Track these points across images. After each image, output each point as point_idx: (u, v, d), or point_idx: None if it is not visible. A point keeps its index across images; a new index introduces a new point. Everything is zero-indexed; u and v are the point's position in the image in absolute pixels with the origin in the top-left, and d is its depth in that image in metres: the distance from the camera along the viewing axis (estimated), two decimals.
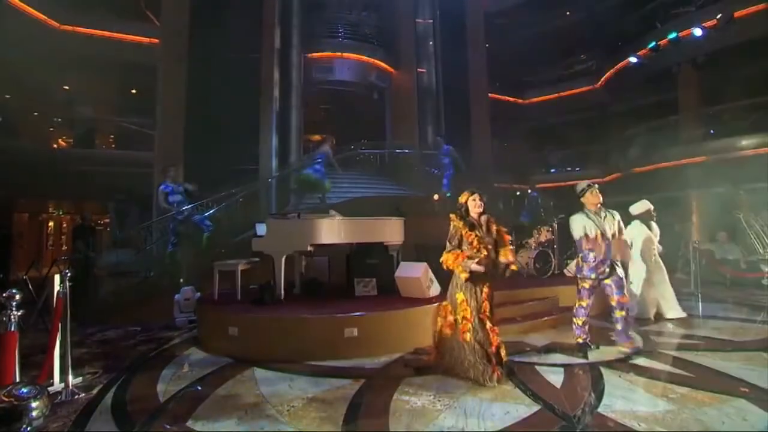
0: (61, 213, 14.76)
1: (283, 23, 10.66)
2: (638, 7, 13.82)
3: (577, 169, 15.86)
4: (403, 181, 10.77)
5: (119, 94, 13.07)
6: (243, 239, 6.54)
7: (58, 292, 3.43)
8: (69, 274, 3.48)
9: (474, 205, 3.36)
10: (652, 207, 5.32)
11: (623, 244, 4.11)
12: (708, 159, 10.99)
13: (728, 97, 11.61)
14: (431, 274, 4.64)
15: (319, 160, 7.84)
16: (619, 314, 3.91)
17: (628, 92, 14.68)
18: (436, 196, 8.84)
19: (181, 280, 6.02)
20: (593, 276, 3.85)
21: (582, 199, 3.98)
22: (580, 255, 3.95)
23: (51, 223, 14.85)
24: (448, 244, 3.36)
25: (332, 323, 4.05)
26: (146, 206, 9.73)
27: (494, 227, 3.38)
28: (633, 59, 12.87)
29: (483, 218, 3.38)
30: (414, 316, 4.25)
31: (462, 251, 3.26)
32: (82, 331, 5.23)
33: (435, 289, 4.63)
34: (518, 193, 12.21)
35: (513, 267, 3.35)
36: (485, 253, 3.23)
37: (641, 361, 3.61)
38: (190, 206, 6.83)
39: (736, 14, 10.62)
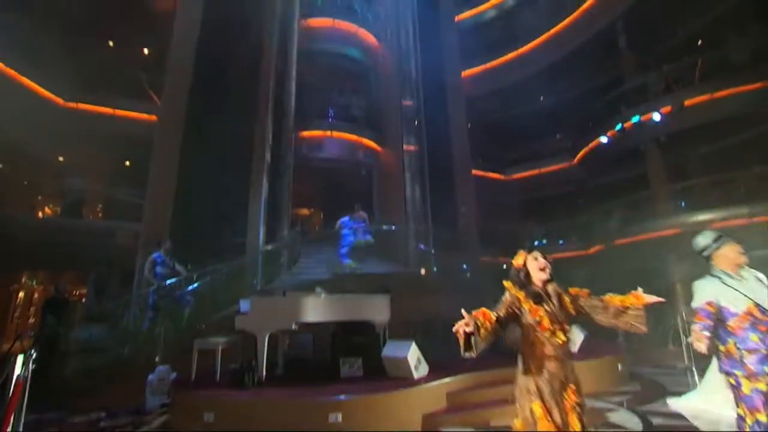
0: (34, 283, 14.18)
1: (276, 104, 11.35)
2: (603, 93, 15.31)
3: (561, 242, 16.24)
4: (390, 257, 10.71)
5: (113, 166, 13.38)
6: (226, 316, 6.33)
7: (18, 375, 3.19)
8: (33, 355, 3.26)
9: (536, 266, 2.42)
10: None
11: None
12: (680, 231, 11.45)
13: (690, 174, 12.49)
14: (419, 354, 4.50)
15: (363, 226, 9.63)
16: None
17: (603, 168, 15.68)
18: (423, 271, 8.87)
19: (157, 359, 5.69)
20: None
21: (712, 257, 2.74)
22: (716, 340, 2.66)
23: (21, 294, 14.20)
24: None
25: (315, 409, 3.82)
26: (128, 279, 9.47)
27: (566, 299, 2.37)
28: (603, 139, 13.95)
29: (551, 287, 2.40)
30: (401, 399, 4.05)
31: (487, 316, 2.22)
32: (40, 417, 4.78)
33: (423, 370, 4.47)
34: (504, 266, 12.32)
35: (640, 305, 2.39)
36: (563, 339, 2.30)
37: None
38: (173, 280, 6.70)
39: (687, 103, 11.93)
